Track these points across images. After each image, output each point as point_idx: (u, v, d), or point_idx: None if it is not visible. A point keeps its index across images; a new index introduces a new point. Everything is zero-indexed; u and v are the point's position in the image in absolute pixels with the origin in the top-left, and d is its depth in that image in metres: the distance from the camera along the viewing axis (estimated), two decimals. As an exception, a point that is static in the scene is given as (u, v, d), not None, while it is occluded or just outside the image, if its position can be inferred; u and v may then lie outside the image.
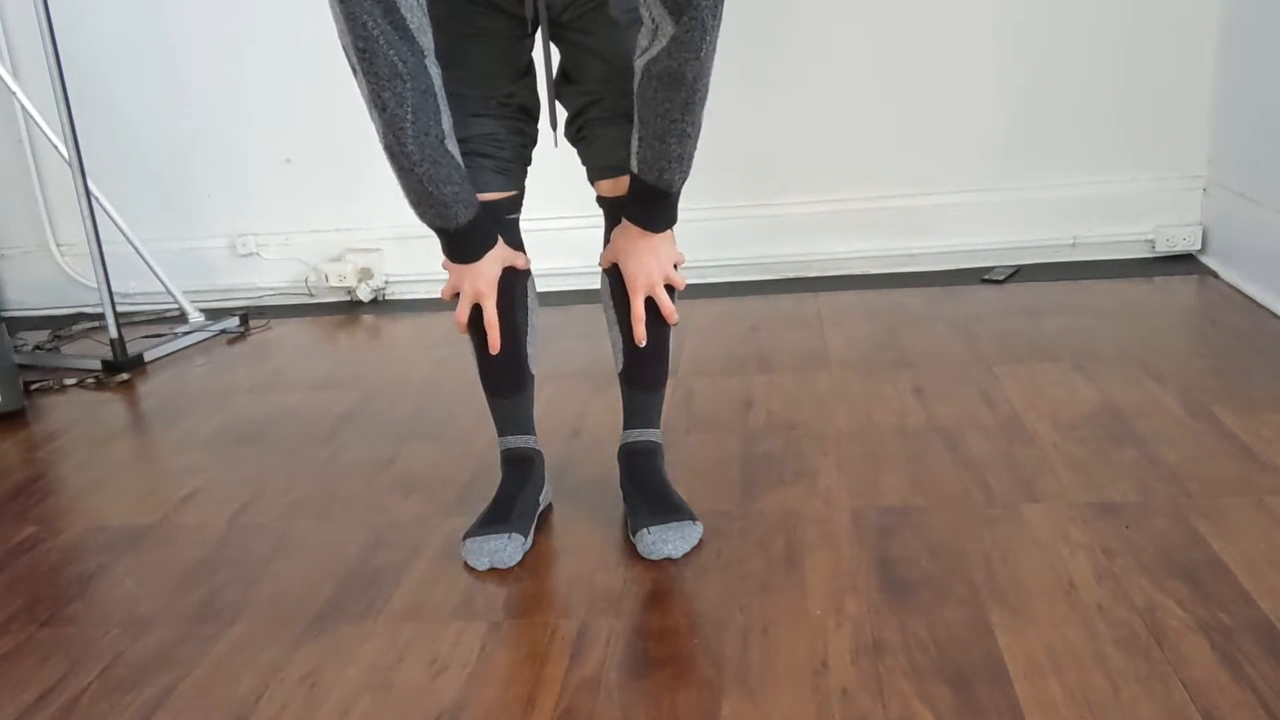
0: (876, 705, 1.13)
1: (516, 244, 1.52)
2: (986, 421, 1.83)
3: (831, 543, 1.47)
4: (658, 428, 1.63)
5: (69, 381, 2.51)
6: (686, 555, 1.47)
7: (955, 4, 2.63)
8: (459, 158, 1.35)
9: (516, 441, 1.62)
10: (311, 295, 3.06)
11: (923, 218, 2.77)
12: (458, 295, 1.47)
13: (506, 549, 1.48)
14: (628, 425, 1.62)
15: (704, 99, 1.29)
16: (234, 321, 2.85)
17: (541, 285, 2.75)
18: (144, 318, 3.02)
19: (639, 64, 1.28)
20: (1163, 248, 2.71)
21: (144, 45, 2.92)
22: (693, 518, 1.51)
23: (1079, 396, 1.90)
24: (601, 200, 1.50)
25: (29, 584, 1.57)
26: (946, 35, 2.65)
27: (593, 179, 1.50)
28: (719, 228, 2.80)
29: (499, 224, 1.48)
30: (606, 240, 1.52)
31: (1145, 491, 1.54)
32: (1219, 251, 2.60)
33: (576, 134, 1.48)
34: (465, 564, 1.50)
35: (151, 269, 2.87)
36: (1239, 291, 2.40)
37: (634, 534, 1.50)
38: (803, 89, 2.73)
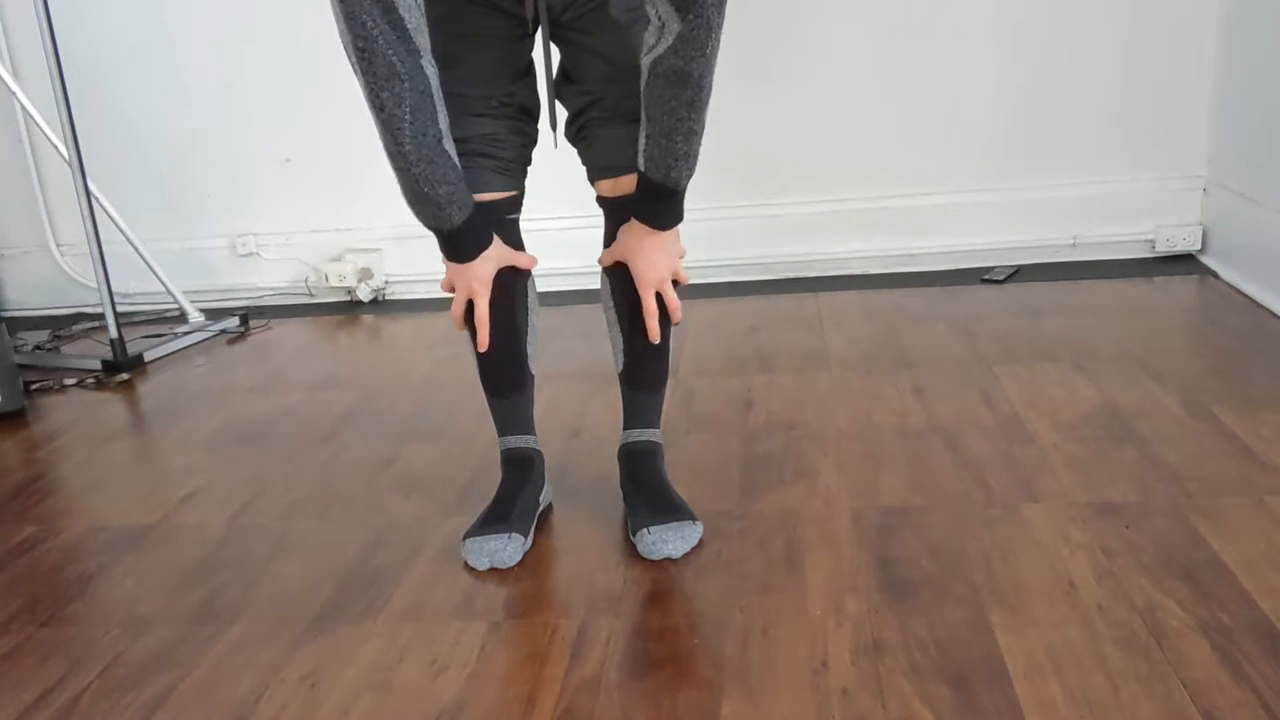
0: (876, 705, 1.13)
1: (517, 244, 1.52)
2: (986, 421, 1.83)
3: (831, 543, 1.47)
4: (658, 428, 1.63)
5: (69, 381, 2.51)
6: (686, 555, 1.47)
7: (955, 4, 2.63)
8: (456, 158, 1.36)
9: (516, 441, 1.62)
10: (311, 295, 3.06)
11: (923, 218, 2.77)
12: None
13: (506, 549, 1.48)
14: (628, 425, 1.62)
15: (709, 96, 1.30)
16: (234, 321, 2.85)
17: (541, 285, 2.75)
18: (144, 318, 3.02)
19: (645, 62, 1.29)
20: (1163, 248, 2.71)
21: (144, 45, 2.92)
22: (693, 518, 1.51)
23: (1079, 396, 1.90)
24: (601, 200, 1.50)
25: (29, 584, 1.57)
26: (947, 35, 2.65)
27: (593, 179, 1.50)
28: (719, 228, 2.80)
29: (499, 224, 1.48)
30: (607, 240, 1.52)
31: (1145, 491, 1.54)
32: (1219, 251, 2.60)
33: (576, 134, 1.48)
34: (465, 564, 1.50)
35: (151, 269, 2.87)
36: (1239, 291, 2.40)
37: (634, 534, 1.50)
38: (803, 89, 2.73)
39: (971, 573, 1.37)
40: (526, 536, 1.52)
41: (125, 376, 2.52)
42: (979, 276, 2.70)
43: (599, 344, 2.40)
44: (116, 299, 2.64)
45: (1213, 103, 2.61)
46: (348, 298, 3.04)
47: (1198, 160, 2.67)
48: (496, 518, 1.53)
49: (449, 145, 1.34)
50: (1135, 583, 1.31)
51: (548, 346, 2.42)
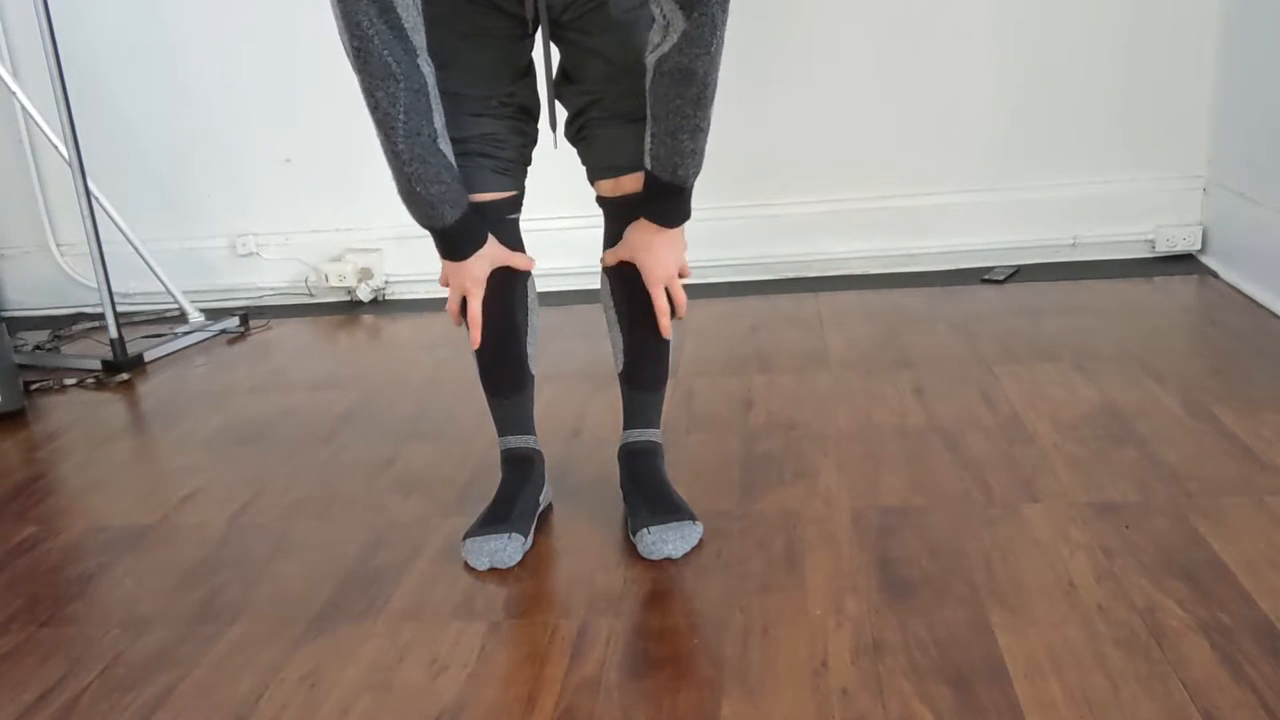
0: (876, 705, 1.13)
1: (517, 244, 1.52)
2: (986, 421, 1.83)
3: (831, 543, 1.47)
4: (658, 428, 1.63)
5: (69, 381, 2.51)
6: (686, 555, 1.47)
7: (955, 4, 2.63)
8: (451, 157, 1.36)
9: (516, 441, 1.62)
10: (311, 295, 3.06)
11: (923, 218, 2.77)
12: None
13: (506, 549, 1.48)
14: (628, 425, 1.62)
15: (715, 94, 1.30)
16: (234, 321, 2.85)
17: (541, 285, 2.75)
18: (144, 318, 3.02)
19: (650, 61, 1.29)
20: (1163, 248, 2.71)
21: (144, 45, 2.92)
22: (693, 518, 1.51)
23: (1079, 396, 1.90)
24: (601, 200, 1.50)
25: (29, 584, 1.57)
26: (947, 35, 2.65)
27: (593, 179, 1.50)
28: (719, 228, 2.80)
29: (499, 224, 1.48)
30: (607, 240, 1.52)
31: (1145, 491, 1.54)
32: (1219, 251, 2.60)
33: (576, 134, 1.48)
34: (465, 564, 1.50)
35: (151, 269, 2.87)
36: (1239, 291, 2.40)
37: (634, 534, 1.50)
38: (803, 88, 2.73)
39: (971, 573, 1.37)
40: (526, 536, 1.52)
41: (125, 376, 2.52)
42: (979, 276, 2.70)
43: (599, 344, 2.40)
44: (116, 299, 2.64)
45: (1213, 103, 2.61)
46: (348, 298, 3.04)
47: (1198, 160, 2.67)
48: (496, 518, 1.53)
49: (444, 145, 1.34)
50: (1135, 583, 1.31)
51: (548, 346, 2.42)
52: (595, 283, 2.76)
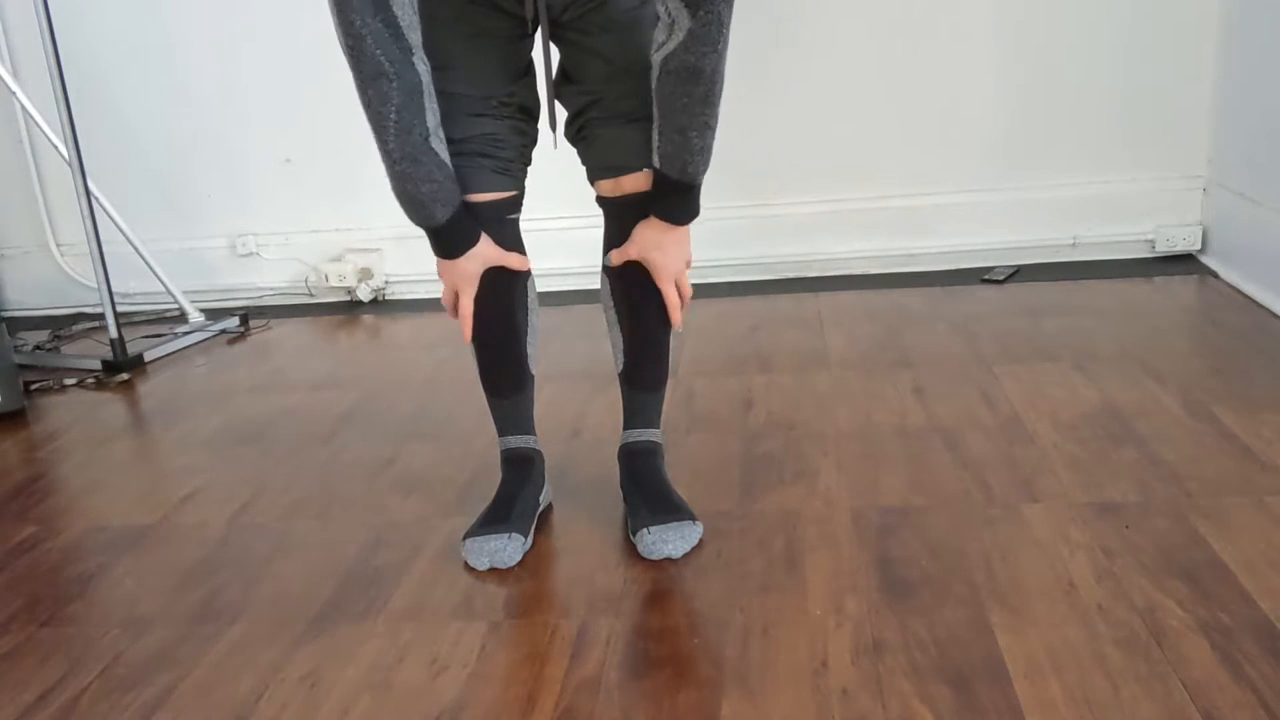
0: (876, 705, 1.13)
1: (516, 243, 1.52)
2: (986, 421, 1.83)
3: (831, 543, 1.47)
4: (658, 428, 1.63)
5: (69, 381, 2.51)
6: (686, 555, 1.47)
7: (955, 4, 2.63)
8: (444, 156, 1.36)
9: (516, 441, 1.62)
10: (311, 295, 3.06)
11: (923, 218, 2.77)
12: None
13: (506, 549, 1.48)
14: (628, 425, 1.62)
15: (722, 91, 1.30)
16: (234, 321, 2.85)
17: (541, 285, 2.75)
18: (144, 318, 3.02)
19: (655, 59, 1.29)
20: (1163, 248, 2.71)
21: (144, 45, 2.92)
22: (693, 518, 1.51)
23: (1079, 396, 1.90)
24: (601, 200, 1.50)
25: (29, 584, 1.57)
26: (947, 35, 2.65)
27: (593, 179, 1.50)
28: (719, 228, 2.80)
29: (499, 223, 1.48)
30: (607, 240, 1.52)
31: (1145, 491, 1.54)
32: (1219, 251, 2.60)
33: (576, 134, 1.48)
34: (465, 564, 1.50)
35: (151, 269, 2.87)
36: (1239, 291, 2.40)
37: (634, 534, 1.50)
38: (803, 88, 2.73)
39: (971, 573, 1.37)
40: (526, 536, 1.52)
41: (125, 376, 2.52)
42: (979, 276, 2.70)
43: (599, 344, 2.40)
44: (116, 299, 2.64)
45: (1213, 103, 2.61)
46: (348, 298, 3.04)
47: (1198, 160, 2.67)
48: (496, 518, 1.53)
49: (437, 144, 1.34)
50: (1135, 583, 1.31)
51: (548, 346, 2.42)
52: (595, 283, 2.76)
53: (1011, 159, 2.72)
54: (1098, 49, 2.62)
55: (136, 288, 3.06)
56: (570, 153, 1.52)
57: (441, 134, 1.36)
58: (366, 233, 2.98)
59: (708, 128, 1.32)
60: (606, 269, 1.54)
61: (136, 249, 2.85)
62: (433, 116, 1.33)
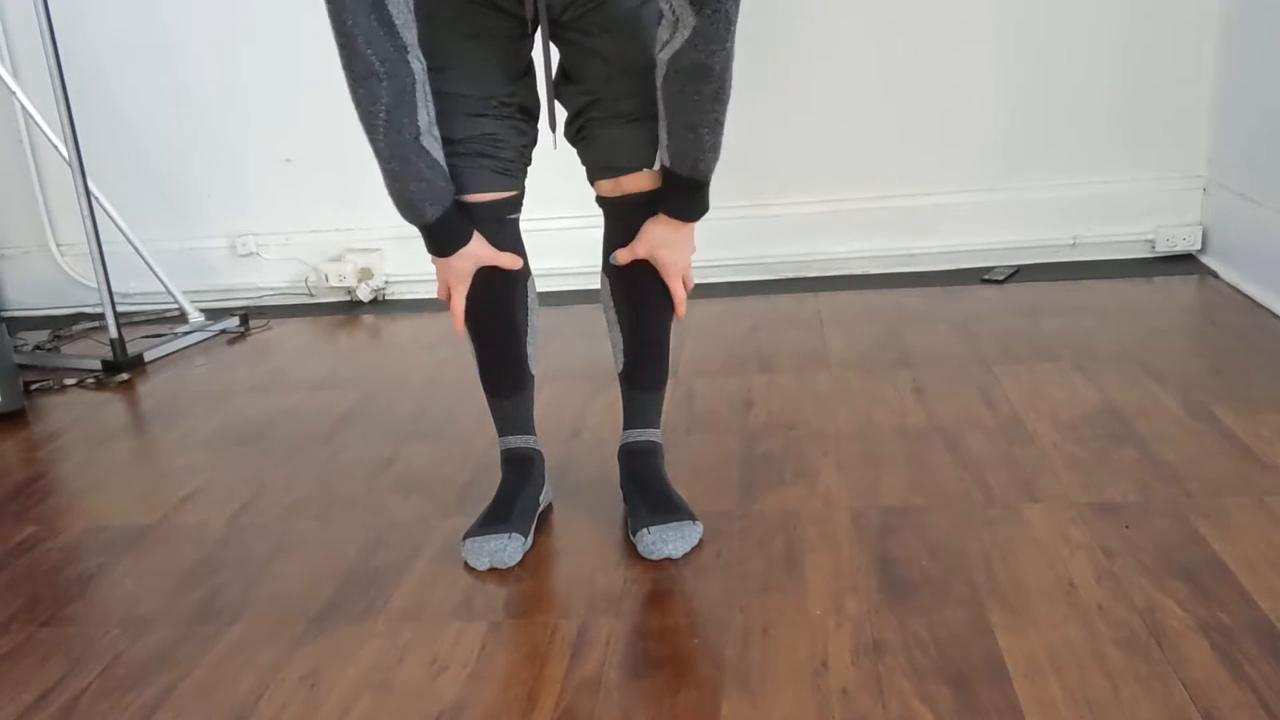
0: (876, 705, 1.13)
1: (517, 243, 1.52)
2: (986, 421, 1.83)
3: (831, 543, 1.47)
4: (658, 428, 1.63)
5: (69, 381, 2.51)
6: (686, 555, 1.47)
7: (955, 4, 2.63)
8: (436, 155, 1.36)
9: (516, 441, 1.62)
10: (311, 295, 3.06)
11: (923, 218, 2.77)
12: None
13: (506, 549, 1.48)
14: (628, 425, 1.62)
15: (731, 88, 1.31)
16: (234, 321, 2.85)
17: (541, 285, 2.75)
18: (144, 318, 3.02)
19: (661, 58, 1.29)
20: (1163, 248, 2.71)
21: (144, 45, 2.92)
22: (693, 518, 1.51)
23: (1079, 396, 1.90)
24: (601, 200, 1.50)
25: (29, 584, 1.57)
26: (947, 35, 2.65)
27: (593, 179, 1.50)
28: (719, 228, 2.79)
29: (499, 223, 1.48)
30: (606, 240, 1.52)
31: (1145, 491, 1.54)
32: (1219, 251, 2.60)
33: (576, 134, 1.48)
34: (465, 564, 1.50)
35: (151, 269, 2.87)
36: (1239, 291, 2.40)
37: (634, 534, 1.50)
38: (803, 88, 2.73)
39: (971, 573, 1.37)
40: (526, 536, 1.52)
41: (125, 376, 2.52)
42: (979, 276, 2.70)
43: (599, 344, 2.40)
44: (116, 299, 2.64)
45: (1213, 103, 2.61)
46: (348, 298, 3.04)
47: (1198, 160, 2.67)
48: (496, 518, 1.53)
49: (429, 142, 1.34)
50: (1135, 583, 1.31)
51: (548, 346, 2.42)
52: (595, 283, 2.76)
53: (1011, 159, 2.72)
54: (1098, 49, 2.62)
55: (136, 288, 3.06)
56: (570, 153, 1.52)
57: (436, 132, 1.36)
58: (366, 233, 2.98)
59: (718, 124, 1.32)
60: (606, 269, 1.54)
61: (136, 249, 2.85)
62: (426, 115, 1.33)
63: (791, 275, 2.85)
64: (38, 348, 2.79)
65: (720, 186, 2.76)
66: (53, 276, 3.17)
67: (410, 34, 1.28)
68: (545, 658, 1.27)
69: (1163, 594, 1.28)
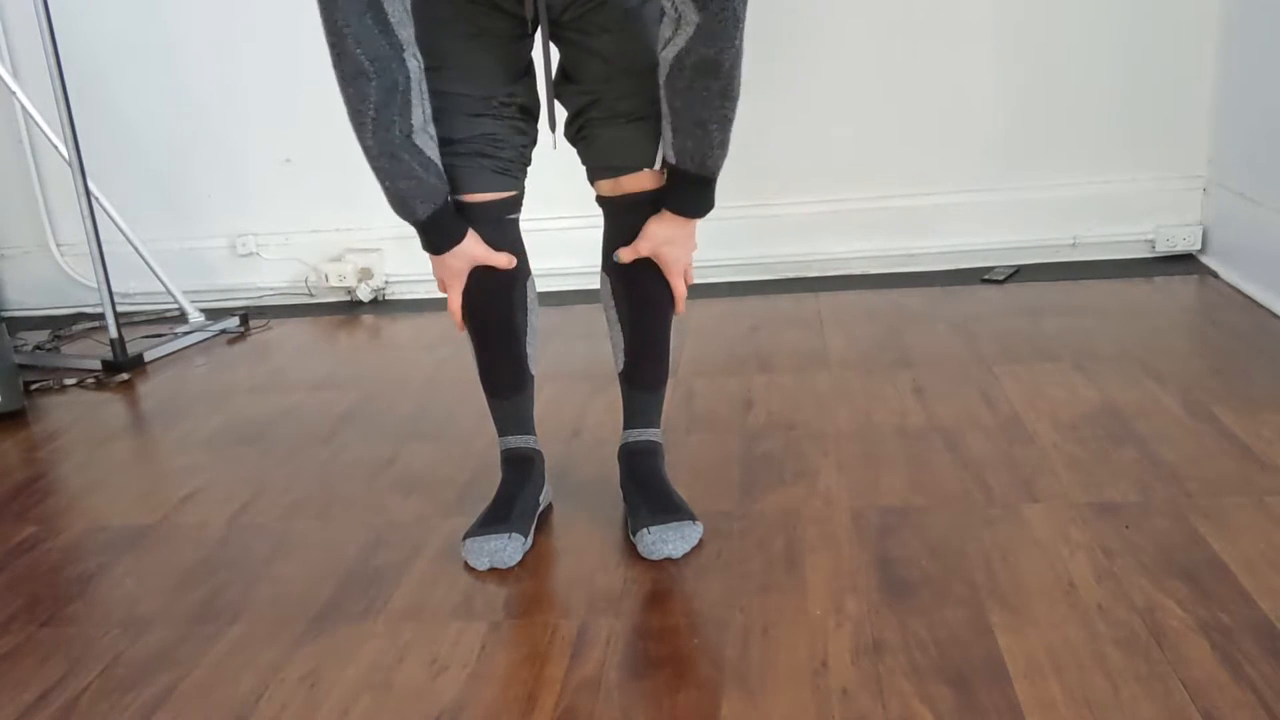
0: (876, 705, 1.13)
1: (517, 243, 1.52)
2: (986, 421, 1.82)
3: (831, 543, 1.47)
4: (658, 427, 1.63)
5: (69, 381, 2.51)
6: (686, 555, 1.47)
7: (955, 4, 2.63)
8: (430, 154, 1.36)
9: (516, 441, 1.62)
10: (311, 295, 3.06)
11: (923, 218, 2.77)
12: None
13: (506, 549, 1.48)
14: (628, 425, 1.62)
15: (740, 84, 1.30)
16: (234, 321, 2.85)
17: (541, 285, 2.75)
18: (144, 318, 3.02)
19: (665, 55, 1.29)
20: (1163, 248, 2.71)
21: (144, 45, 2.92)
22: (693, 518, 1.51)
23: (1079, 396, 1.90)
24: (601, 200, 1.50)
25: (29, 584, 1.57)
26: (947, 35, 2.65)
27: (593, 179, 1.50)
28: (719, 228, 2.79)
29: (499, 223, 1.48)
30: (606, 240, 1.52)
31: (1145, 491, 1.54)
32: (1219, 251, 2.60)
33: (576, 134, 1.48)
34: (465, 564, 1.50)
35: (151, 269, 2.87)
36: (1239, 291, 2.40)
37: (634, 534, 1.50)
38: (802, 88, 2.73)
39: (971, 573, 1.37)
40: (526, 536, 1.52)
41: (125, 376, 2.52)
42: (979, 276, 2.70)
43: (599, 344, 2.40)
44: (116, 299, 2.64)
45: (1213, 103, 2.61)
46: (348, 298, 3.04)
47: (1198, 160, 2.67)
48: (496, 518, 1.53)
49: (423, 141, 1.34)
50: (1135, 583, 1.31)
51: (548, 346, 2.42)
52: (595, 283, 2.76)
53: (1011, 159, 2.72)
54: (1098, 49, 2.62)
55: (136, 288, 3.06)
56: (570, 153, 1.52)
57: (432, 130, 1.36)
58: (366, 233, 2.98)
59: (728, 121, 1.32)
60: (607, 268, 1.54)
61: (136, 249, 2.85)
62: (420, 114, 1.33)
63: (791, 275, 2.85)
64: (38, 348, 2.79)
65: (720, 186, 2.73)
66: (53, 276, 3.17)
67: (406, 31, 1.28)
68: (545, 658, 1.27)
69: (1163, 594, 1.28)
